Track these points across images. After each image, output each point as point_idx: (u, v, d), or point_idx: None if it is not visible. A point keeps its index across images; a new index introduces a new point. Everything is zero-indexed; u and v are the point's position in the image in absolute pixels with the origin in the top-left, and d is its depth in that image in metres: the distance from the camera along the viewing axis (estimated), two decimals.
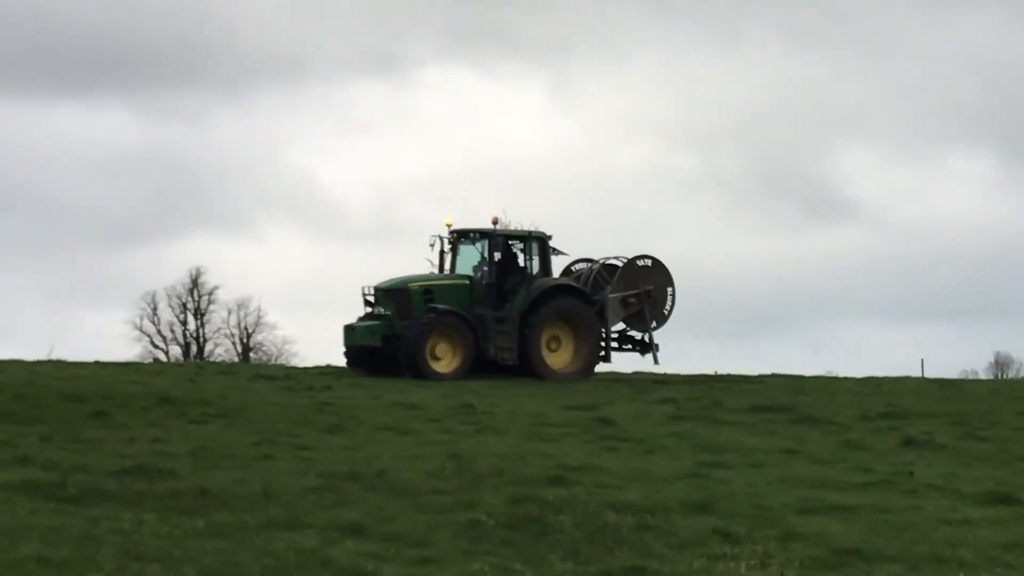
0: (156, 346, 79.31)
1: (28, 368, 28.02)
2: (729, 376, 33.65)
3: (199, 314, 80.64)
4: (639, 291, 32.09)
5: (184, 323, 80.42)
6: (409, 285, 30.62)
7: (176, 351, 79.16)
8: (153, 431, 18.00)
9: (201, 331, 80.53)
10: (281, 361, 71.88)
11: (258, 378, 28.72)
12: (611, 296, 31.63)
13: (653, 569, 11.10)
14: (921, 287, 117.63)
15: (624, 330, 32.73)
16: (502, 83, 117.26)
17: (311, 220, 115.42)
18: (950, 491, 15.05)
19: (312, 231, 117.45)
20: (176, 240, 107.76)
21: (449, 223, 31.53)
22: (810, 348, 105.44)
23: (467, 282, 31.08)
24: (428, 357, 29.65)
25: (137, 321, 79.42)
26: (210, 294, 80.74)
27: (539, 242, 31.42)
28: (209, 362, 55.64)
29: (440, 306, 30.16)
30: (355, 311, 31.35)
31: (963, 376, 62.05)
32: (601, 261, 32.82)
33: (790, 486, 15.09)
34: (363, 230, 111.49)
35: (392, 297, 30.57)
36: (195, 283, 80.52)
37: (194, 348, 79.46)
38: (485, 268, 31.07)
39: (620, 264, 32.47)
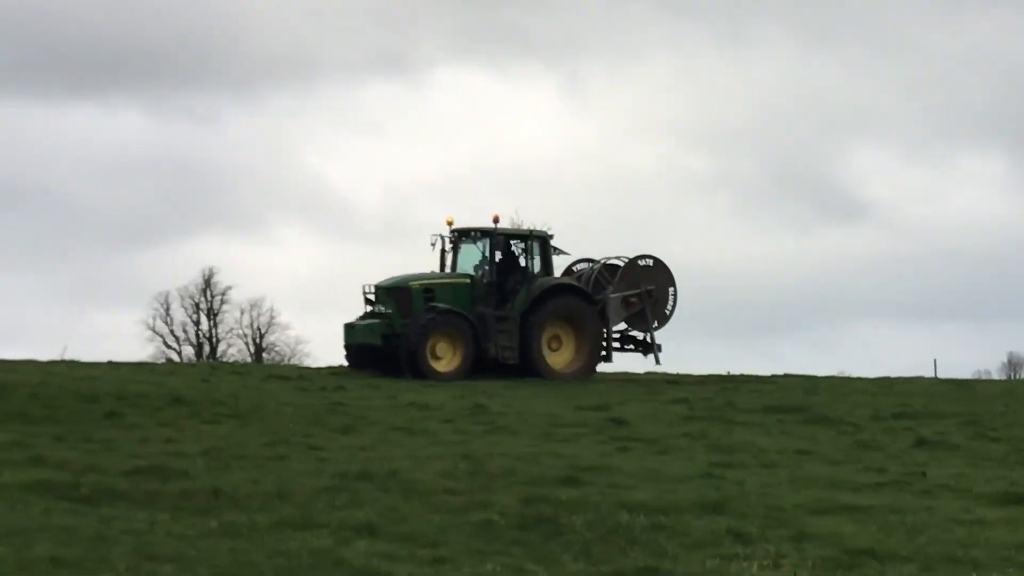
0: (169, 346, 79.49)
1: (41, 368, 28.06)
2: (741, 376, 33.63)
3: (212, 314, 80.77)
4: (640, 291, 32.09)
5: (197, 323, 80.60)
6: (410, 284, 30.59)
7: (189, 351, 79.34)
8: (166, 431, 18.02)
9: (214, 331, 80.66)
10: (294, 361, 72.01)
11: (271, 378, 28.74)
12: (612, 296, 31.62)
13: (666, 569, 11.08)
14: (934, 287, 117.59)
15: (625, 330, 32.73)
16: (514, 84, 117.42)
17: (323, 220, 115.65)
18: (963, 491, 15.02)
19: (324, 231, 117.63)
20: (189, 240, 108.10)
21: (450, 221, 31.53)
22: (822, 348, 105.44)
23: (468, 281, 31.06)
24: (428, 356, 29.64)
25: (150, 321, 79.65)
26: (223, 294, 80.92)
27: (540, 241, 31.41)
28: (222, 362, 55.65)
29: (441, 305, 30.13)
30: (360, 310, 31.34)
31: (976, 376, 62.01)
32: (602, 261, 32.82)
33: (803, 486, 15.08)
34: (375, 230, 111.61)
35: (393, 295, 30.53)
36: (208, 283, 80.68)
37: (207, 348, 79.56)
38: (486, 267, 31.07)
39: (621, 264, 32.48)
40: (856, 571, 11.30)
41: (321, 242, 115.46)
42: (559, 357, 30.93)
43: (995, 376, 78.14)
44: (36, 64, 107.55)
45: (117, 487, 13.62)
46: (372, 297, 31.06)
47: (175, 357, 76.93)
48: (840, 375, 36.82)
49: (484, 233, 31.35)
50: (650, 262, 32.50)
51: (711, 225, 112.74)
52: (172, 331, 79.89)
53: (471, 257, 31.62)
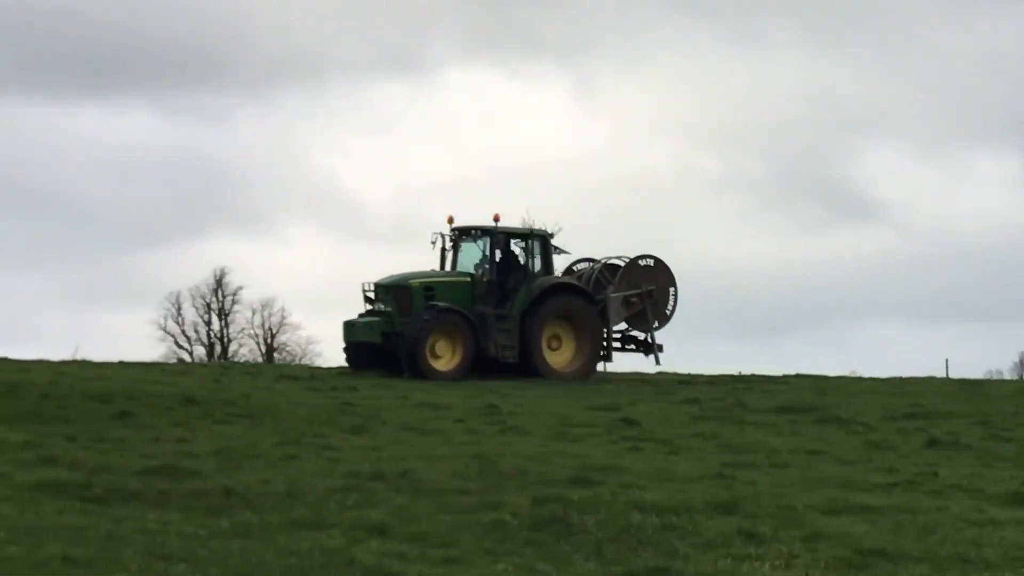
0: (180, 346, 79.49)
1: (53, 368, 28.08)
2: (753, 376, 33.59)
3: (223, 314, 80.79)
4: (641, 291, 32.09)
5: (208, 323, 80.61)
6: (410, 282, 30.51)
7: (200, 351, 79.36)
8: (178, 431, 18.04)
9: (225, 331, 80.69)
10: (305, 361, 71.98)
11: (282, 378, 28.76)
12: (613, 296, 31.61)
13: (677, 569, 11.09)
14: (945, 287, 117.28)
15: (626, 330, 32.71)
16: (525, 84, 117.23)
17: (334, 220, 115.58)
18: (975, 492, 15.01)
19: (335, 231, 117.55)
20: (200, 240, 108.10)
21: (451, 220, 31.50)
22: (834, 348, 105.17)
23: (468, 279, 30.99)
24: (428, 355, 29.55)
25: (161, 321, 79.62)
26: (234, 294, 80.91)
27: (541, 240, 31.37)
28: (233, 362, 55.71)
29: (441, 303, 30.06)
30: (360, 308, 31.30)
31: (988, 376, 61.79)
32: (603, 260, 32.82)
33: (814, 486, 15.06)
34: (386, 230, 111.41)
35: (393, 294, 30.48)
36: (219, 283, 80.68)
37: (218, 348, 79.59)
38: (486, 266, 30.98)
39: (622, 264, 32.47)
40: (868, 571, 11.29)
41: (332, 242, 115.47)
42: (559, 356, 30.88)
43: (1007, 376, 77.82)
44: (47, 64, 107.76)
45: (129, 487, 13.65)
46: (372, 295, 31.04)
47: (186, 357, 76.98)
48: (852, 375, 36.76)
49: (484, 232, 31.27)
50: (651, 262, 32.50)
51: (722, 225, 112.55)
52: (183, 331, 79.95)
53: (471, 256, 31.56)
